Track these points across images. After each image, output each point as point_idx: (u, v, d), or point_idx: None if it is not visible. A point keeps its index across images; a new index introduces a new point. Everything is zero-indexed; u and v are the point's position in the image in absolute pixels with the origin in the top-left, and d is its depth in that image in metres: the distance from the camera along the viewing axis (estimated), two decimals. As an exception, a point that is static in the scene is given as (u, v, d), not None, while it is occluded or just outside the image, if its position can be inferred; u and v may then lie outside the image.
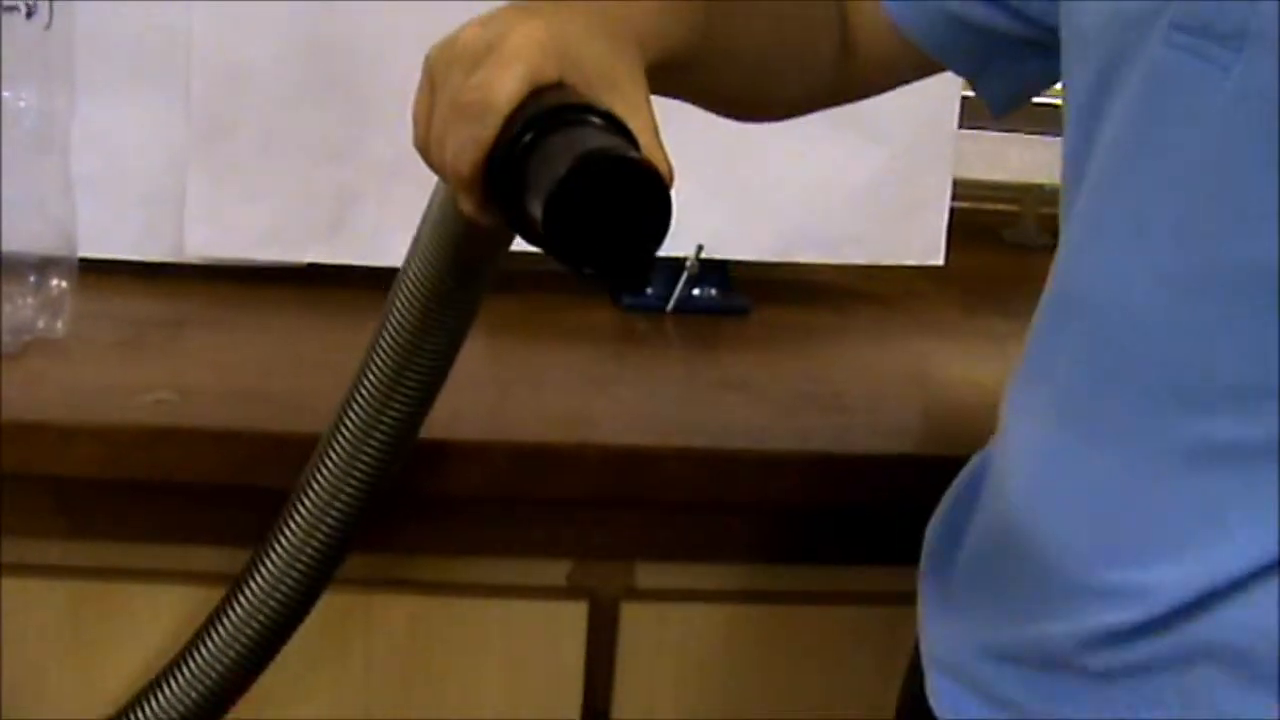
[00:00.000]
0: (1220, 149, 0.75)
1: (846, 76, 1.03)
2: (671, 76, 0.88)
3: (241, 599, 1.00)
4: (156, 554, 1.14)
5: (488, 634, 1.18)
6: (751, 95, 1.01)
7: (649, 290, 1.46)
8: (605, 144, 0.75)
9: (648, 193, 0.73)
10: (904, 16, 0.99)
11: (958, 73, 1.03)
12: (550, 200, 0.72)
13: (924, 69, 1.03)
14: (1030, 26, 0.95)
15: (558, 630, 1.17)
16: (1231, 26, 0.74)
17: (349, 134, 1.41)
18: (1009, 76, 1.01)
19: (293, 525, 0.99)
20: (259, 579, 1.00)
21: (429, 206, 0.94)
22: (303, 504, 0.99)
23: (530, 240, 0.79)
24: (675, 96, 0.93)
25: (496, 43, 0.79)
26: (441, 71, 0.81)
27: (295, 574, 0.99)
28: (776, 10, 0.99)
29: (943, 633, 0.92)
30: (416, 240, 0.94)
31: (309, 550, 0.99)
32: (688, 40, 0.90)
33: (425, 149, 0.83)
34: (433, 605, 1.17)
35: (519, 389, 1.25)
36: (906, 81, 1.05)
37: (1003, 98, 1.02)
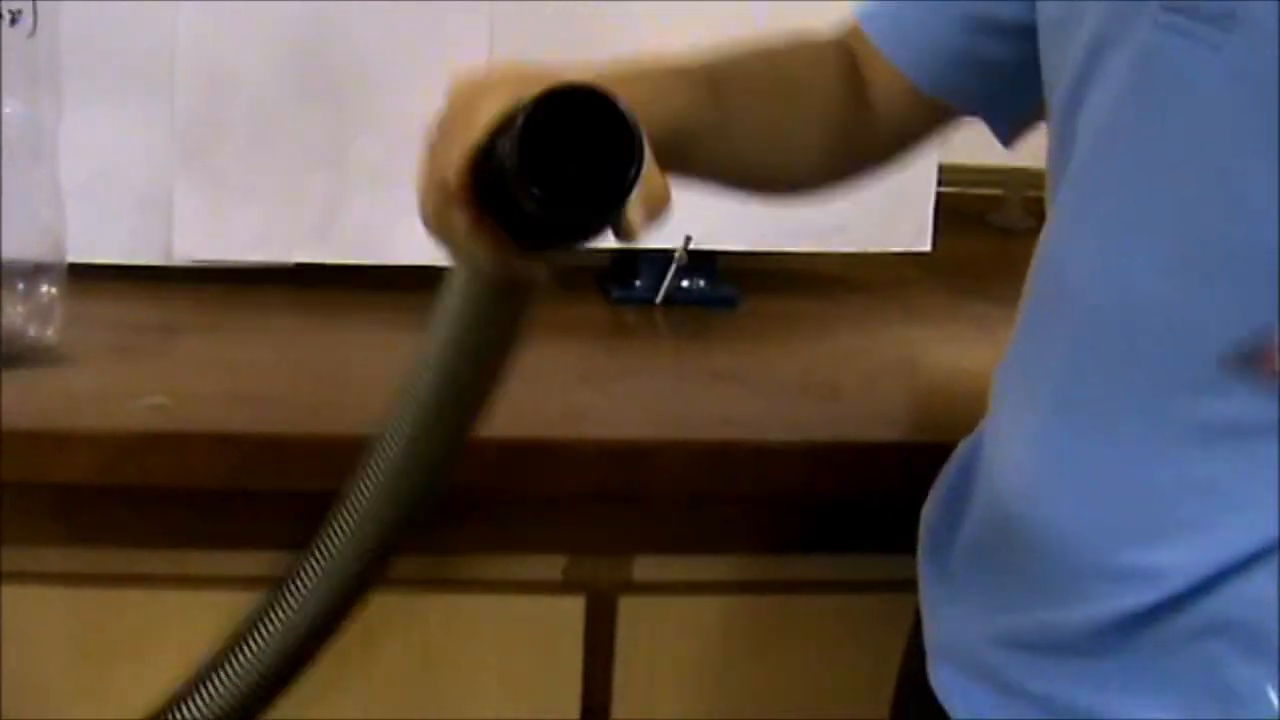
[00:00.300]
0: (1211, 129, 0.75)
1: (867, 140, 1.02)
2: (681, 150, 0.89)
3: (285, 603, 0.98)
4: (156, 559, 1.14)
5: (485, 630, 1.18)
6: (765, 169, 1.01)
7: (638, 283, 1.47)
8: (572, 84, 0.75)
9: (614, 124, 0.74)
10: (911, 65, 0.99)
11: (966, 111, 1.01)
12: (520, 132, 0.73)
13: (939, 118, 1.03)
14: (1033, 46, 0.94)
15: (555, 625, 1.18)
16: (1221, 7, 0.74)
17: (335, 135, 1.41)
18: (1016, 106, 1.00)
19: (338, 532, 0.97)
20: (303, 583, 0.97)
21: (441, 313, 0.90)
22: (348, 511, 0.96)
23: (520, 232, 0.79)
24: (690, 176, 0.93)
25: (485, 80, 0.80)
26: (436, 123, 0.82)
27: (339, 580, 0.97)
28: (782, 80, 0.99)
29: (946, 619, 0.92)
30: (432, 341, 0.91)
31: (353, 558, 0.97)
32: (692, 113, 0.91)
33: (423, 198, 0.83)
34: (429, 602, 1.17)
35: (510, 384, 1.25)
36: (926, 135, 1.05)
37: (1011, 129, 1.02)
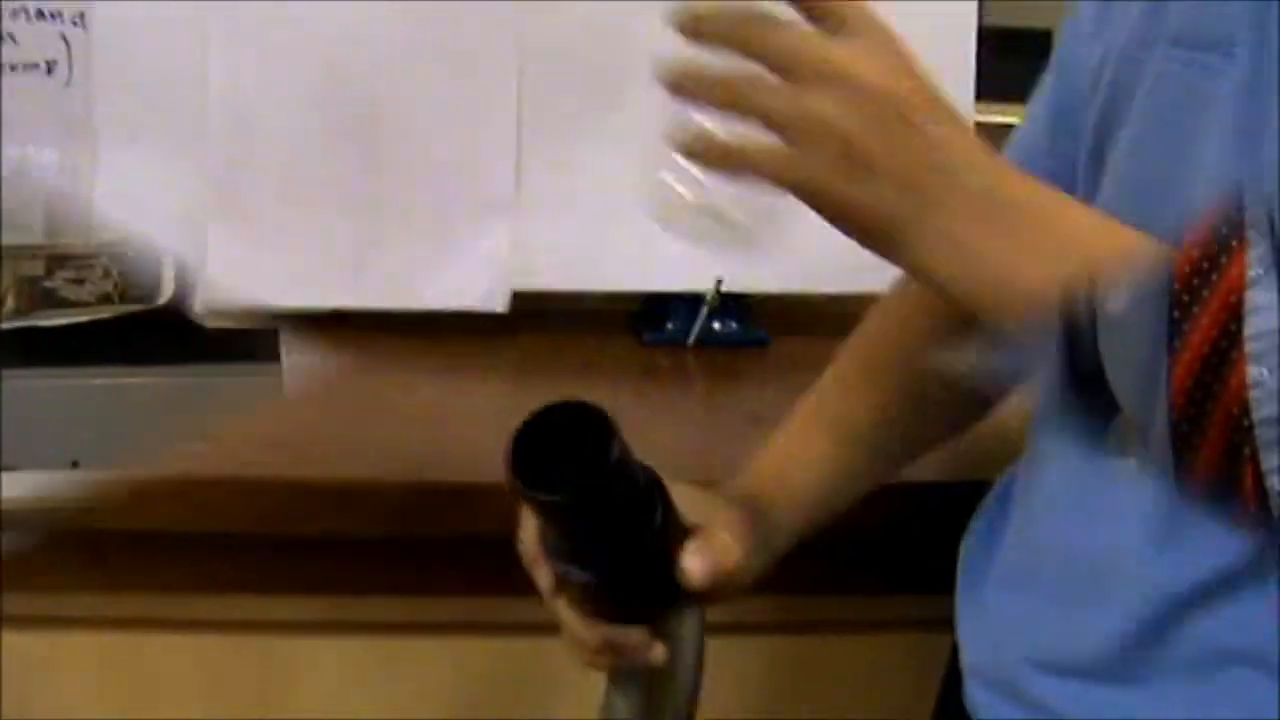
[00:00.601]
0: (1219, 151, 0.77)
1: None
2: (825, 512, 0.98)
3: None
4: (192, 605, 1.14)
5: (524, 672, 1.18)
6: (917, 454, 1.05)
7: (670, 325, 1.47)
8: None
9: (593, 426, 0.81)
10: None
11: None
12: (513, 440, 0.80)
13: None
14: None
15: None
16: (1220, 34, 0.78)
17: (367, 179, 1.42)
18: None
19: None
20: None
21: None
22: None
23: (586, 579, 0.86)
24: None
25: None
26: None
27: None
28: (909, 385, 1.01)
29: (979, 642, 0.93)
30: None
31: None
32: (817, 495, 0.98)
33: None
34: (468, 646, 1.17)
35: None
36: None
37: None
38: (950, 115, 0.72)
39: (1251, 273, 0.71)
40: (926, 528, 1.05)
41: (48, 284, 1.34)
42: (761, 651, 1.19)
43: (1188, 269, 0.71)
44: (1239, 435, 0.70)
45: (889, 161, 0.70)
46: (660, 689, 0.92)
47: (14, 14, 1.31)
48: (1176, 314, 0.71)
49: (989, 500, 0.97)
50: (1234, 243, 0.71)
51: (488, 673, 1.18)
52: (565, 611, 0.89)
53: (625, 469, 0.82)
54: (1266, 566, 0.76)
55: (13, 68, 1.31)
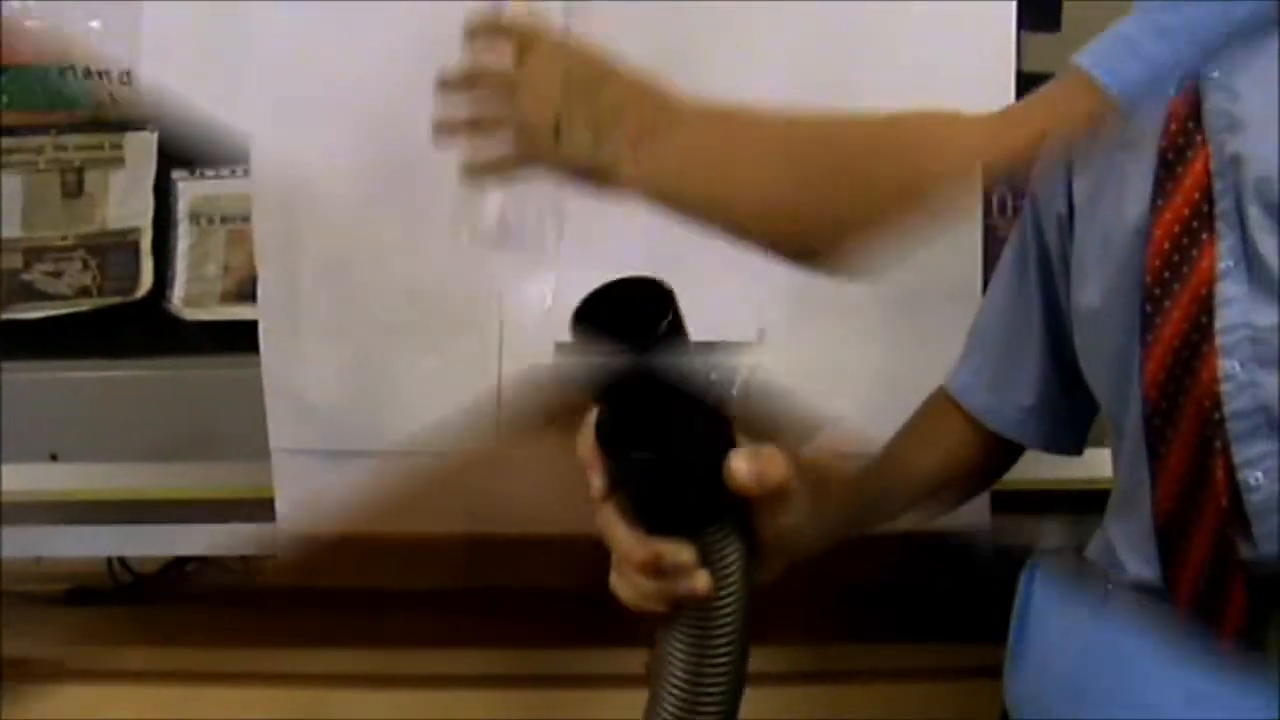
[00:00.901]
0: None
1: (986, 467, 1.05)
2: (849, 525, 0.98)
3: None
4: (239, 658, 1.15)
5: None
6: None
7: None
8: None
9: (649, 294, 0.82)
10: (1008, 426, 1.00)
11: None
12: (578, 309, 0.81)
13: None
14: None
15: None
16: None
17: (410, 233, 1.42)
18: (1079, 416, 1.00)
19: None
20: None
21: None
22: None
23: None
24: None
25: None
26: None
27: None
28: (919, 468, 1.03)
29: (1024, 675, 0.94)
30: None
31: None
32: (845, 515, 0.97)
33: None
34: (516, 698, 1.18)
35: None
36: None
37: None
38: (615, 72, 0.94)
39: (1221, 265, 0.73)
40: (977, 576, 1.05)
41: (25, 277, 1.35)
42: (794, 700, 1.19)
43: (1158, 262, 0.73)
44: (1210, 428, 0.71)
45: (578, 120, 0.92)
46: (711, 625, 0.89)
47: (62, 72, 1.34)
48: (1148, 307, 0.72)
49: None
50: (1204, 235, 0.72)
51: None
52: (614, 523, 0.86)
53: (677, 342, 0.82)
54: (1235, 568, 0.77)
55: (62, 125, 1.33)
